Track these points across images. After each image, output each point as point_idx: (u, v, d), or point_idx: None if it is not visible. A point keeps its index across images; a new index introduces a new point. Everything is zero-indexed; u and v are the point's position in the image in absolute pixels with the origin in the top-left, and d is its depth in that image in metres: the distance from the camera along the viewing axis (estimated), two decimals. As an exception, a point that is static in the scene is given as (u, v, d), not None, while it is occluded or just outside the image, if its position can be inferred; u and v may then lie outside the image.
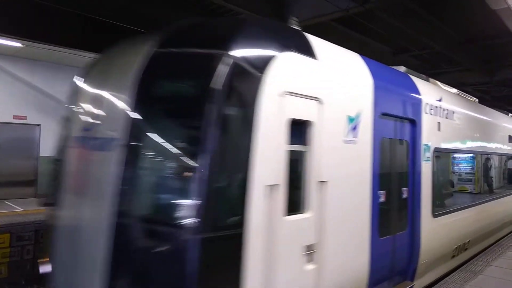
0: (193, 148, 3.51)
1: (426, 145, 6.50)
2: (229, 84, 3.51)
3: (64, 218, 4.42)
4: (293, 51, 4.13)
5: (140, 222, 3.60)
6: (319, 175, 4.28)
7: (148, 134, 3.80)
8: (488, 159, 10.56)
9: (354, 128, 4.81)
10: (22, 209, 11.39)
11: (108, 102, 4.15)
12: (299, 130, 4.13)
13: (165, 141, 3.76)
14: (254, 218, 3.57)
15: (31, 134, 14.30)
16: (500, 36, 11.00)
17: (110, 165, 3.77)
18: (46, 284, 4.48)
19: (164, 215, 3.67)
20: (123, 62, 4.23)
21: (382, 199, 5.38)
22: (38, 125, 14.36)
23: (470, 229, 8.43)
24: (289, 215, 3.92)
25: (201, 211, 3.32)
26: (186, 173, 3.54)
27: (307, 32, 4.84)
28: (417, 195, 6.26)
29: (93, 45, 8.45)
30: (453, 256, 7.76)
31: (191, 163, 3.46)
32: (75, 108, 4.66)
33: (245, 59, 3.71)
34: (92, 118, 4.31)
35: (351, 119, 4.76)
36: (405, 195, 6.05)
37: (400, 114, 5.91)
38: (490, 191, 10.68)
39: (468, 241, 8.33)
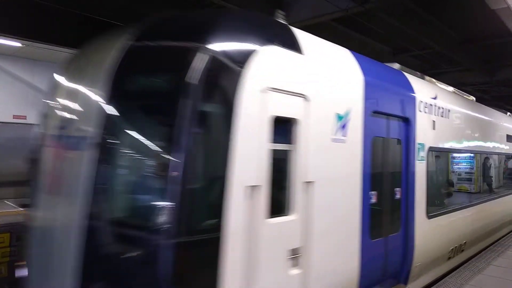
0: (167, 147, 3.32)
1: (420, 144, 6.34)
2: (205, 79, 3.32)
3: (39, 219, 4.24)
4: (277, 45, 3.93)
5: (111, 225, 3.42)
6: (305, 176, 4.09)
7: (121, 132, 3.62)
8: (487, 158, 10.49)
9: (343, 127, 4.63)
10: (22, 209, 11.41)
11: (82, 99, 3.97)
12: (283, 128, 3.95)
13: (138, 140, 3.59)
14: (233, 221, 3.38)
15: (31, 133, 14.29)
16: (500, 36, 10.99)
17: (82, 165, 3.58)
18: None
19: (135, 218, 3.50)
20: (98, 57, 4.03)
21: (373, 200, 5.23)
22: (38, 124, 14.35)
23: (467, 230, 8.26)
24: (272, 217, 3.74)
25: (175, 214, 3.15)
26: (159, 174, 3.35)
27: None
28: (411, 196, 6.08)
29: (93, 45, 8.44)
30: (449, 258, 7.60)
31: (165, 163, 3.26)
32: (50, 105, 4.49)
33: (223, 52, 3.52)
34: (66, 116, 4.14)
35: (340, 117, 4.58)
36: (398, 196, 5.88)
37: (393, 112, 5.73)
38: (488, 191, 10.55)
39: (465, 242, 8.18)
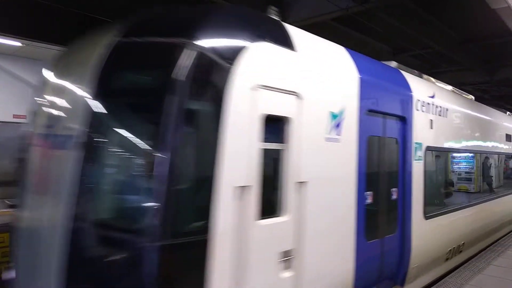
0: (152, 146, 3.22)
1: (417, 143, 6.21)
2: (192, 75, 3.21)
3: (25, 220, 4.15)
4: (269, 42, 3.82)
5: (96, 226, 3.30)
6: (297, 175, 3.98)
7: (106, 131, 3.50)
8: (487, 158, 10.43)
9: (338, 125, 4.52)
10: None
11: (68, 97, 3.87)
12: (275, 127, 3.85)
13: (123, 139, 3.48)
14: (222, 223, 3.26)
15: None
16: (500, 35, 10.99)
17: (66, 164, 3.47)
18: None
19: (120, 219, 3.40)
20: (85, 54, 3.92)
21: (369, 200, 5.11)
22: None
23: (465, 231, 8.14)
24: (262, 218, 3.62)
25: (160, 215, 3.03)
26: (144, 174, 3.24)
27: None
28: (408, 196, 5.95)
29: (93, 45, 8.44)
30: (447, 259, 7.49)
31: (150, 162, 3.16)
32: (37, 103, 4.39)
33: (211, 48, 3.40)
34: (52, 114, 4.05)
35: (334, 116, 4.46)
36: (394, 196, 5.75)
37: (389, 111, 5.60)
38: (487, 191, 10.43)
39: (463, 243, 8.07)
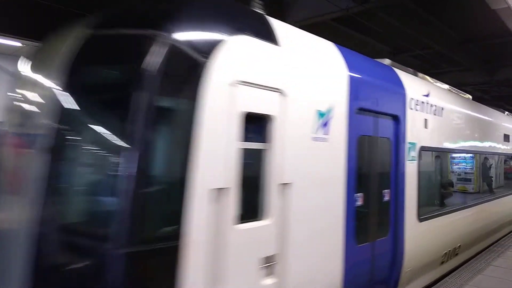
0: (120, 145, 2.98)
1: (411, 143, 5.99)
2: (164, 69, 3.01)
3: None
4: (250, 35, 3.63)
5: (59, 231, 3.08)
6: (281, 177, 3.77)
7: (72, 130, 3.29)
8: (486, 159, 10.35)
9: (325, 124, 4.32)
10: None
11: (36, 94, 3.69)
12: (257, 125, 3.65)
13: (90, 138, 3.27)
14: (196, 228, 3.04)
15: None
16: (500, 36, 11.01)
17: (31, 165, 3.28)
18: None
19: (84, 224, 3.17)
20: (57, 49, 3.74)
21: (359, 202, 4.90)
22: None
23: (461, 233, 7.88)
24: (242, 222, 3.42)
25: (127, 220, 2.81)
26: (110, 175, 3.02)
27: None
28: (401, 198, 5.71)
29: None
30: (442, 263, 7.22)
31: (117, 163, 2.93)
32: (9, 100, 4.21)
33: (185, 41, 3.21)
34: (22, 112, 3.88)
35: (321, 114, 4.27)
36: (386, 198, 5.51)
37: (381, 110, 5.36)
38: (486, 191, 10.25)
39: (459, 245, 7.81)
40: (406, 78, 6.31)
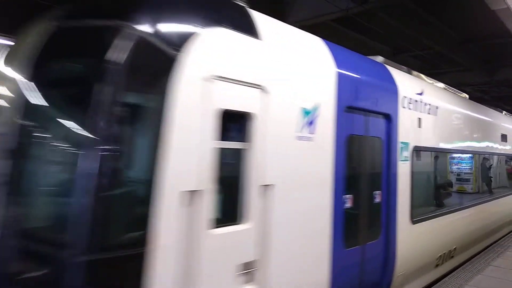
0: (81, 144, 2.78)
1: (403, 143, 5.77)
2: (130, 63, 2.81)
3: None
4: (227, 28, 3.44)
5: (15, 237, 2.86)
6: (262, 178, 3.56)
7: (32, 127, 3.10)
8: (485, 159, 10.27)
9: (311, 123, 4.14)
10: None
11: (5, 90, 3.48)
12: (236, 123, 3.47)
13: (52, 137, 3.09)
14: (165, 233, 2.84)
15: None
16: (500, 36, 11.02)
17: None
18: None
19: (41, 230, 2.95)
20: (25, 43, 3.56)
21: (348, 204, 4.70)
22: None
23: (457, 235, 7.63)
24: (218, 227, 3.21)
25: (87, 225, 2.60)
26: (70, 177, 2.80)
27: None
28: (393, 199, 5.50)
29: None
30: (437, 265, 6.98)
31: (77, 163, 2.71)
32: None
33: (155, 33, 3.02)
34: None
35: (306, 112, 4.09)
36: (377, 200, 5.30)
37: (371, 108, 5.14)
38: (485, 192, 10.09)
39: (455, 248, 7.54)
40: (399, 76, 6.10)
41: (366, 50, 10.49)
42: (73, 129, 2.92)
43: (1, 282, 2.81)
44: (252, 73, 3.54)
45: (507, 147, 11.53)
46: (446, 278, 6.93)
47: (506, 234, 11.39)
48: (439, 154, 7.72)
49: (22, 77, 3.17)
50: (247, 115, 3.49)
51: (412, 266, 6.01)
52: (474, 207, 8.71)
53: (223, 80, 3.26)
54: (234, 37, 3.49)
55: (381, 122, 5.42)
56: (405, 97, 5.87)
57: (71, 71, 3.19)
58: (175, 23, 3.24)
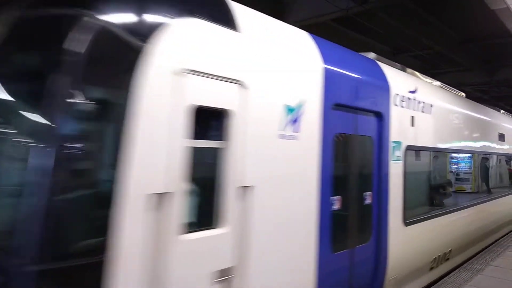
0: (33, 142, 2.60)
1: (395, 142, 5.58)
2: (90, 54, 2.62)
3: None
4: (201, 18, 3.23)
5: None
6: (241, 179, 3.37)
7: None
8: (485, 159, 10.21)
9: (295, 121, 3.96)
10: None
11: None
12: (212, 121, 3.30)
13: (5, 134, 2.89)
14: (128, 240, 2.62)
15: None
16: (500, 36, 11.03)
17: None
18: None
19: None
20: None
21: (336, 206, 4.51)
22: None
23: (452, 237, 7.42)
24: (190, 232, 3.00)
25: (38, 232, 2.37)
26: (21, 178, 2.58)
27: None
28: (384, 201, 5.30)
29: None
30: (432, 268, 6.80)
31: (29, 163, 2.51)
32: None
33: (118, 22, 2.84)
34: None
35: (290, 110, 3.91)
36: (368, 201, 5.11)
37: (361, 106, 4.94)
38: (481, 192, 9.75)
39: (450, 250, 7.35)
40: (391, 73, 5.90)
41: (366, 50, 10.45)
42: (26, 125, 2.69)
43: None
44: (229, 67, 3.34)
45: (505, 147, 11.38)
46: (446, 278, 6.93)
47: (506, 234, 11.37)
48: (438, 154, 7.60)
49: None
50: (223, 112, 3.29)
51: (405, 269, 5.85)
52: (471, 207, 8.56)
53: (196, 74, 3.06)
54: (209, 28, 3.29)
55: (371, 120, 5.24)
56: (397, 94, 5.70)
57: (29, 63, 2.98)
58: (143, 12, 3.03)
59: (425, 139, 6.54)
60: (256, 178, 3.53)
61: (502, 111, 12.35)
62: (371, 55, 6.03)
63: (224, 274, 3.25)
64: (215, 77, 3.20)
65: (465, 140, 8.43)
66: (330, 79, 4.40)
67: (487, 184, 10.31)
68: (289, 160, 3.91)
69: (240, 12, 3.71)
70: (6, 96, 2.87)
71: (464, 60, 13.83)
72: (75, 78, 2.59)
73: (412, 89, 6.15)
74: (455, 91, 8.89)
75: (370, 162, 5.21)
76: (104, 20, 2.76)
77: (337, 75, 4.60)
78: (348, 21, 10.40)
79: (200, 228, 3.13)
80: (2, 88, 2.91)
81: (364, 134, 5.09)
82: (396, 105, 5.62)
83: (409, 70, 6.82)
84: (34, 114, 2.66)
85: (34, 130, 2.60)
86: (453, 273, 7.24)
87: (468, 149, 8.89)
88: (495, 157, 11.03)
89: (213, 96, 3.18)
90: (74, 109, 2.58)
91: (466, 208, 8.27)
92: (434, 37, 11.62)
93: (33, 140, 2.59)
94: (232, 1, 3.74)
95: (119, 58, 2.79)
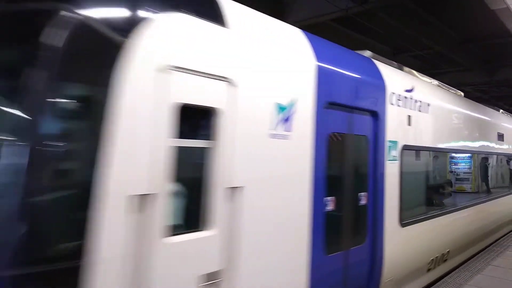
0: (6, 139, 2.49)
1: (391, 142, 5.49)
2: (67, 50, 2.53)
3: None
4: (187, 13, 3.15)
5: None
6: (229, 180, 3.29)
7: None
8: (485, 159, 10.19)
9: (287, 120, 3.88)
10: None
11: None
12: (199, 120, 3.22)
13: None
14: (108, 243, 2.53)
15: None
16: (500, 36, 11.03)
17: None
18: None
19: None
20: None
21: (330, 207, 4.43)
22: None
23: (450, 238, 7.32)
24: (174, 235, 2.91)
25: (10, 236, 2.28)
26: None
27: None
28: (380, 201, 5.22)
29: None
30: (429, 270, 6.71)
31: (2, 164, 2.42)
32: None
33: (98, 16, 2.75)
34: None
35: (281, 108, 3.83)
36: (363, 202, 5.02)
37: (356, 105, 4.85)
38: (480, 192, 9.71)
39: (448, 251, 7.25)
40: (387, 71, 5.81)
41: (366, 50, 10.51)
42: (2, 125, 2.58)
43: None
44: (217, 64, 3.25)
45: (504, 147, 11.31)
46: (446, 278, 6.94)
47: (506, 234, 11.36)
48: (438, 154, 7.56)
49: None
50: (211, 110, 3.19)
51: (401, 271, 5.78)
52: (470, 207, 8.50)
53: (181, 71, 2.97)
54: (195, 24, 3.19)
55: (367, 119, 5.15)
56: (394, 93, 5.60)
57: (4, 58, 2.85)
58: (124, 6, 2.94)
59: (423, 139, 6.47)
60: (246, 178, 3.45)
61: (501, 110, 12.30)
62: (367, 53, 5.96)
63: (212, 278, 3.17)
64: (202, 74, 3.12)
65: (463, 139, 8.34)
66: (323, 77, 4.32)
67: (487, 184, 10.29)
68: (281, 160, 3.84)
69: (229, 7, 3.62)
70: None
71: (464, 60, 13.83)
72: (52, 74, 2.50)
73: (408, 88, 6.09)
74: (453, 90, 8.84)
75: (365, 162, 5.14)
76: (82, 14, 2.66)
77: (330, 73, 4.53)
78: (348, 21, 10.41)
79: (186, 231, 3.06)
80: None
81: (358, 134, 5.02)
82: (392, 104, 5.55)
83: (406, 68, 6.73)
84: (8, 111, 2.56)
85: (8, 128, 2.49)
86: (453, 272, 7.24)
87: (467, 149, 8.80)
88: (494, 157, 10.99)
89: (199, 94, 3.10)
90: (51, 106, 2.50)
91: (465, 208, 8.20)
92: (434, 37, 11.62)
93: (7, 138, 2.47)
94: (231, 0, 3.68)
95: (99, 54, 2.70)
